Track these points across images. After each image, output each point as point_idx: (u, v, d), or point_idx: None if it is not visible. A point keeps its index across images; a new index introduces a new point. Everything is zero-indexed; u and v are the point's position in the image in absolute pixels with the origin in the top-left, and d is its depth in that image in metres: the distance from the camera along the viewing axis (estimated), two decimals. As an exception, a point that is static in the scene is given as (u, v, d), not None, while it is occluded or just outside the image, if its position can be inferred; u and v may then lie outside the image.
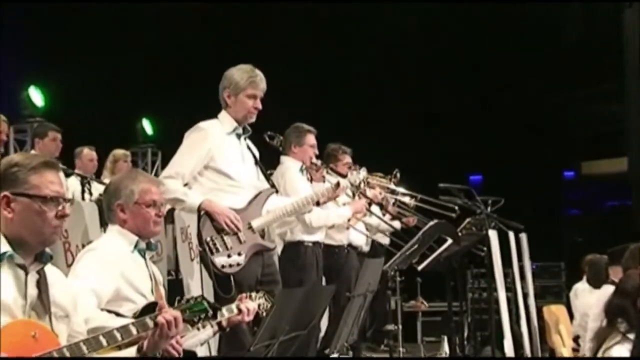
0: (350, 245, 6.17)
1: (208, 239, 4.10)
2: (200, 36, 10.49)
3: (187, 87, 9.90)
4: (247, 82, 4.28)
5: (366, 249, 6.68)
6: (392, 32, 10.92)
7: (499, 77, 11.24)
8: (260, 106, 4.33)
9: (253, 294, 3.51)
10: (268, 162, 4.98)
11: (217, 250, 4.09)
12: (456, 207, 5.71)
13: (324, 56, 10.81)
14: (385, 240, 6.93)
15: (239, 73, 4.31)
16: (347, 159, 6.20)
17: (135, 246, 3.26)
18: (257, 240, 4.25)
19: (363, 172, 5.07)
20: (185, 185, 4.24)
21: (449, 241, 5.23)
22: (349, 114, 11.00)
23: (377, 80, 11.17)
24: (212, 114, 4.39)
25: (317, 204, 4.80)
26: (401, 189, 6.32)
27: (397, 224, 6.55)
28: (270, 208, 4.41)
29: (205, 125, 4.29)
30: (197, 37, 10.45)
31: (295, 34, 10.60)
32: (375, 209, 6.33)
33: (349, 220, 5.80)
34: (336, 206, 5.58)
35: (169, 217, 5.76)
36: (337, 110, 10.78)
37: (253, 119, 4.36)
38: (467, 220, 5.66)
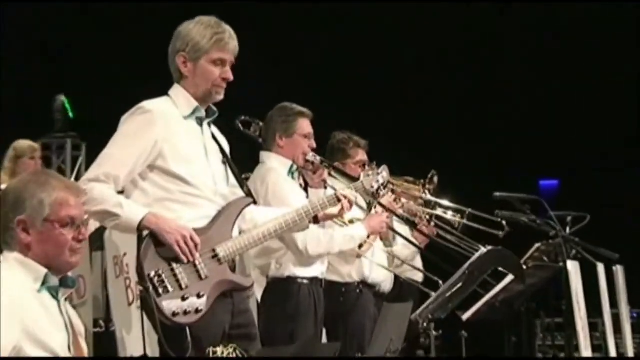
0: (363, 282, 6.15)
1: (152, 273, 4.04)
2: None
3: (127, 53, 9.90)
4: (211, 41, 4.28)
5: (387, 287, 6.64)
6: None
7: (579, 49, 11.27)
8: (230, 76, 4.33)
9: (219, 349, 3.51)
10: (243, 160, 4.95)
11: (166, 290, 4.04)
12: (504, 223, 5.69)
13: (328, 12, 10.83)
14: (416, 276, 6.90)
15: (199, 29, 4.31)
16: (361, 155, 6.23)
17: (44, 283, 3.27)
18: (225, 275, 4.21)
19: (384, 174, 5.03)
20: (121, 193, 4.21)
21: (509, 277, 5.22)
22: (362, 92, 11.01)
23: (402, 47, 11.18)
24: (162, 90, 4.37)
25: (316, 220, 4.76)
26: (441, 201, 6.30)
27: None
28: (246, 227, 4.39)
29: (151, 105, 4.27)
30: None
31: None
32: (402, 228, 6.31)
33: (360, 247, 5.79)
34: (341, 224, 5.56)
35: (97, 241, 5.76)
36: (345, 88, 10.80)
37: (221, 96, 4.35)
38: (536, 246, 5.69)
